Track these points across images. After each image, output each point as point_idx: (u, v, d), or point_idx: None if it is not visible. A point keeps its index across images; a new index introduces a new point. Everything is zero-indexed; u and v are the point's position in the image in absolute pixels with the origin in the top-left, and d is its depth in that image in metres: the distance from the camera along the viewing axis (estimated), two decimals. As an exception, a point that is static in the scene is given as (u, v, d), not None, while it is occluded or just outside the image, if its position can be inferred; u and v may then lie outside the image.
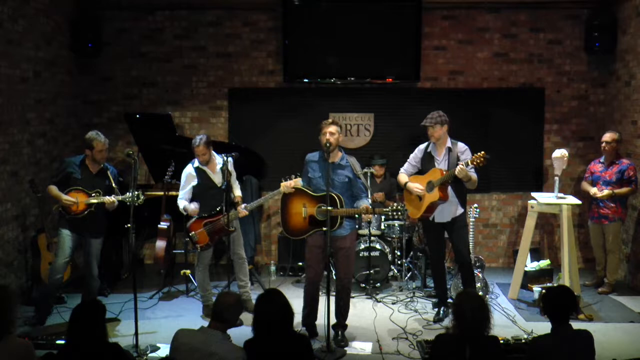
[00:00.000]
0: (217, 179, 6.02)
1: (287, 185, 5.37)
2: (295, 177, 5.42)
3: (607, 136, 6.84)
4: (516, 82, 8.09)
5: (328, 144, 5.22)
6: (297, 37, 7.86)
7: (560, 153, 6.78)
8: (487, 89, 8.08)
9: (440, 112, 5.79)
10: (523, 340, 5.06)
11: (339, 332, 5.46)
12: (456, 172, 5.46)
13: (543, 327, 5.25)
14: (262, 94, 8.11)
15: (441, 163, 5.77)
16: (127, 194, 5.50)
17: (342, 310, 5.49)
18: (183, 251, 7.04)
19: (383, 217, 7.23)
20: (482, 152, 5.38)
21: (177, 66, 8.14)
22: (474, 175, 5.61)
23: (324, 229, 5.15)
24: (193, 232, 5.91)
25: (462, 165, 5.45)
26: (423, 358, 5.01)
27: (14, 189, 6.46)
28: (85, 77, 8.05)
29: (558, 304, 3.76)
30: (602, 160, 6.92)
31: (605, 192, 6.67)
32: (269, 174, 7.35)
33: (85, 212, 5.63)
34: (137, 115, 7.43)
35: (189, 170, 6.02)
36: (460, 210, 5.82)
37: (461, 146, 5.80)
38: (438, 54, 8.08)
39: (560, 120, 8.12)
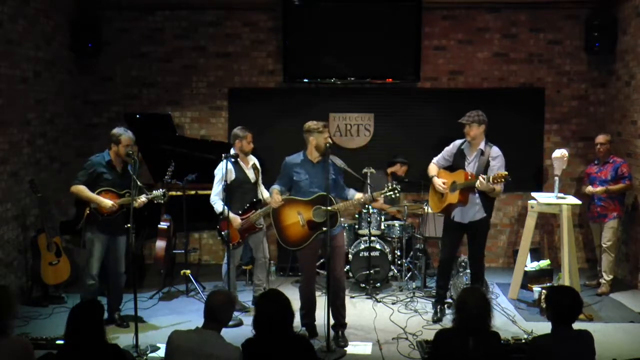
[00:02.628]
0: (251, 174, 6.10)
1: (276, 200, 5.36)
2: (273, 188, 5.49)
3: (601, 138, 6.95)
4: (516, 82, 8.09)
5: (328, 145, 5.28)
6: (297, 37, 7.86)
7: (560, 153, 6.78)
8: (487, 89, 8.08)
9: (479, 111, 5.74)
10: (523, 340, 5.05)
11: (339, 332, 5.45)
12: (477, 184, 5.46)
13: (543, 327, 5.25)
14: (262, 94, 8.12)
15: (470, 164, 5.72)
16: (154, 192, 5.59)
17: (341, 309, 5.48)
18: (183, 251, 7.03)
19: (383, 217, 7.23)
20: (505, 173, 5.34)
21: (177, 66, 8.14)
22: (497, 187, 5.52)
23: (324, 229, 5.17)
24: (226, 231, 5.88)
25: (483, 179, 5.41)
26: (423, 358, 5.00)
27: (14, 189, 6.46)
28: (85, 77, 8.05)
29: (563, 306, 3.71)
30: (596, 162, 7.02)
31: (599, 188, 6.71)
32: (269, 174, 7.33)
33: (119, 214, 5.61)
34: (137, 115, 7.43)
35: (228, 166, 5.90)
36: (482, 215, 5.73)
37: (495, 151, 5.72)
38: (438, 54, 8.08)
39: (560, 120, 8.12)
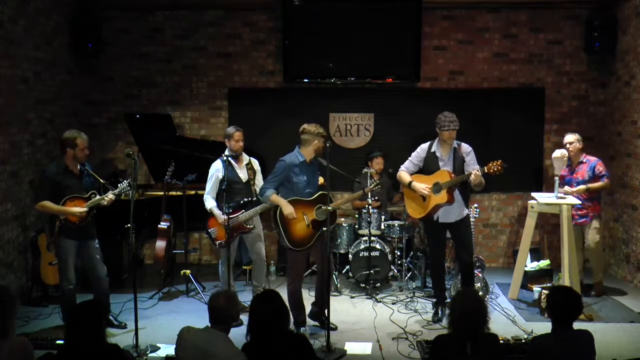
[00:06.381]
0: (242, 174, 6.08)
1: (291, 212, 5.35)
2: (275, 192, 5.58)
3: (570, 137, 6.75)
4: (516, 82, 8.09)
5: (329, 144, 5.38)
6: (297, 37, 7.86)
7: (560, 153, 6.77)
8: (487, 89, 8.08)
9: (453, 114, 5.75)
10: (523, 340, 5.05)
11: (325, 317, 5.50)
12: (472, 178, 5.48)
13: (543, 327, 5.27)
14: (262, 94, 8.12)
15: (446, 164, 5.74)
16: (120, 185, 5.48)
17: (327, 297, 5.44)
18: (183, 251, 7.03)
19: (383, 217, 7.23)
20: (500, 161, 5.41)
21: (177, 66, 8.14)
22: (483, 180, 5.60)
23: (324, 229, 5.36)
24: (212, 229, 5.91)
25: (478, 171, 5.46)
26: (423, 358, 5.01)
27: (14, 189, 6.46)
28: (85, 77, 8.05)
29: (563, 307, 3.71)
30: (568, 163, 6.82)
31: (581, 186, 6.60)
32: (269, 174, 7.34)
33: (89, 218, 5.52)
34: (137, 115, 7.44)
35: (218, 165, 5.98)
36: (465, 212, 5.85)
37: (465, 147, 5.80)
38: (438, 54, 8.08)
39: (560, 120, 8.12)
